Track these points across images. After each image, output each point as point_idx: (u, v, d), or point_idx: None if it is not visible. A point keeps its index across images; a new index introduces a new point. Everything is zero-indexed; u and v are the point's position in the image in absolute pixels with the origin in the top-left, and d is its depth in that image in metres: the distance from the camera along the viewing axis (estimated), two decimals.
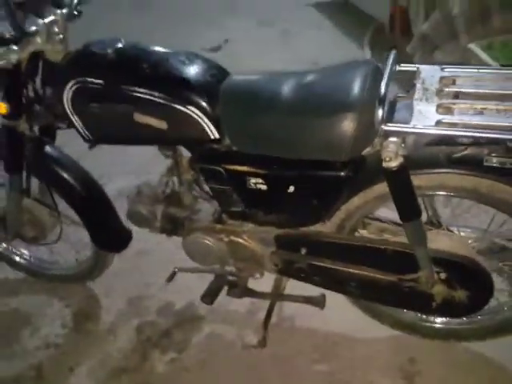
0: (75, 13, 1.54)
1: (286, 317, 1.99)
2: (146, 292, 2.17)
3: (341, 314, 1.89)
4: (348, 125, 1.26)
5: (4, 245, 2.21)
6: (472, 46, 2.56)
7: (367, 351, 1.86)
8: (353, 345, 1.88)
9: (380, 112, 1.18)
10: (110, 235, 1.94)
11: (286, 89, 1.35)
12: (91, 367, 1.91)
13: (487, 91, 1.26)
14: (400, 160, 1.25)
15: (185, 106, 1.39)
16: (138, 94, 1.41)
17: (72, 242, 2.10)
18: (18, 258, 2.23)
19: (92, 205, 1.88)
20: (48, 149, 1.79)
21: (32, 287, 2.25)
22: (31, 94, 1.59)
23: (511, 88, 1.25)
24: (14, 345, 2.01)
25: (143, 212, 1.75)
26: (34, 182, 1.92)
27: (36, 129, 1.72)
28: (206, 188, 1.73)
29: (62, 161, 1.81)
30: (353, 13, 4.16)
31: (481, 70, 1.33)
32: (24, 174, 1.81)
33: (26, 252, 2.24)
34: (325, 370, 1.82)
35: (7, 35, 1.41)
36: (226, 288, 1.81)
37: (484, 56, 2.80)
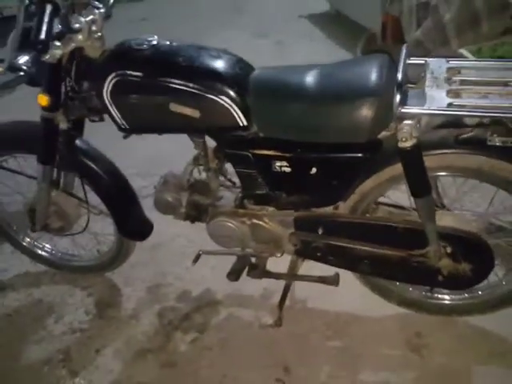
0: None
1: (298, 299, 2.13)
2: (163, 281, 2.30)
3: (350, 294, 2.03)
4: (368, 109, 1.41)
5: (27, 239, 2.32)
6: (463, 50, 2.74)
7: (377, 328, 2.00)
8: (363, 322, 2.02)
9: (398, 96, 1.34)
10: (134, 224, 2.06)
11: (310, 79, 1.50)
12: (117, 349, 2.02)
13: (489, 79, 1.42)
14: (414, 141, 1.40)
15: (217, 96, 1.53)
16: (174, 86, 1.54)
17: (94, 233, 2.22)
18: (40, 251, 2.34)
19: (119, 195, 2.00)
20: (79, 142, 1.91)
21: (53, 279, 2.36)
22: (69, 87, 1.72)
23: (510, 75, 1.42)
24: (41, 331, 2.11)
25: (169, 199, 1.88)
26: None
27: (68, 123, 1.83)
28: (229, 176, 1.88)
29: (92, 153, 1.94)
30: (345, 23, 4.34)
31: (482, 62, 1.50)
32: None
33: (48, 245, 2.34)
34: (338, 346, 1.96)
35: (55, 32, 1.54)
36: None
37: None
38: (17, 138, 1.98)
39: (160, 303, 2.19)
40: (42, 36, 1.40)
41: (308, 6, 4.93)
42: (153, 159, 2.89)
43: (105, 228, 2.21)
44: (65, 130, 1.83)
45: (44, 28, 1.40)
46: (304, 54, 4.00)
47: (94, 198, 2.03)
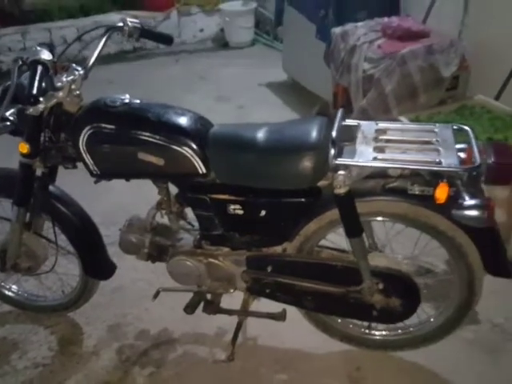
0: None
1: (250, 336, 2.31)
2: (123, 321, 2.44)
3: (298, 331, 2.22)
4: (308, 161, 1.67)
5: None
6: (402, 118, 3.06)
7: (321, 362, 2.19)
8: (309, 358, 2.21)
9: (332, 151, 1.60)
10: (99, 265, 2.24)
11: (260, 134, 1.76)
12: (78, 382, 2.15)
13: (410, 138, 1.71)
14: (347, 188, 1.66)
15: (180, 147, 1.77)
16: (143, 137, 1.77)
17: (60, 273, 2.37)
18: (7, 292, 2.47)
19: (87, 237, 2.18)
20: (52, 187, 2.10)
21: (17, 318, 2.48)
22: (47, 138, 1.93)
23: (426, 136, 1.71)
24: (5, 366, 2.23)
25: (133, 240, 2.07)
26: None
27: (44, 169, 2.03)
28: (188, 219, 2.09)
29: (64, 198, 2.13)
30: (300, 92, 4.68)
31: (405, 125, 1.80)
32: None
33: (14, 286, 2.47)
34: (285, 379, 2.14)
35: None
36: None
37: None
38: None
39: (119, 341, 2.33)
40: (34, 91, 1.62)
41: (267, 75, 5.29)
42: (116, 209, 3.07)
43: (70, 269, 2.37)
44: (40, 176, 2.03)
45: (36, 85, 1.62)
46: (263, 118, 4.25)
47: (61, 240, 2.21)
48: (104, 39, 1.93)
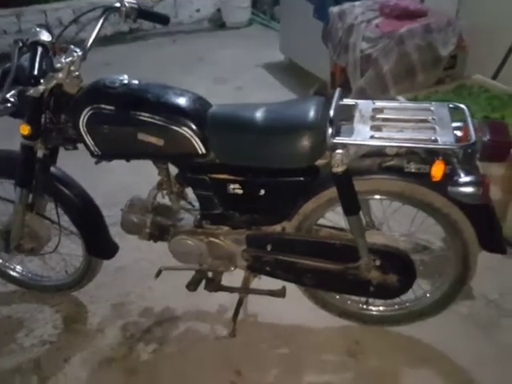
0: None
1: (250, 313, 2.36)
2: (126, 299, 2.49)
3: (297, 308, 2.27)
4: (306, 140, 1.70)
5: (1, 261, 2.49)
6: (400, 97, 3.07)
7: (320, 337, 2.24)
8: (308, 333, 2.26)
9: (330, 130, 1.63)
10: (102, 244, 2.27)
11: (259, 114, 1.79)
12: (84, 358, 2.20)
13: (406, 117, 1.74)
14: (344, 167, 1.69)
15: (180, 127, 1.79)
16: (143, 118, 1.80)
17: (63, 254, 2.41)
18: (11, 272, 2.51)
19: (89, 217, 2.22)
20: (53, 169, 2.13)
21: (22, 297, 2.52)
22: (47, 119, 1.95)
23: (422, 114, 1.73)
24: (12, 344, 2.28)
25: (135, 220, 2.11)
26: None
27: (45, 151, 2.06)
28: (188, 199, 2.13)
29: (65, 179, 2.16)
30: (298, 72, 4.70)
31: (401, 103, 1.82)
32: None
33: (18, 266, 2.52)
34: (285, 353, 2.19)
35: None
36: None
37: None
38: None
39: (123, 319, 2.38)
40: (35, 72, 1.64)
41: (264, 56, 5.29)
42: (117, 190, 3.09)
43: (73, 250, 2.41)
44: (41, 158, 2.05)
45: (36, 66, 1.64)
46: (261, 99, 4.24)
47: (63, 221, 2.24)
48: (101, 20, 1.94)
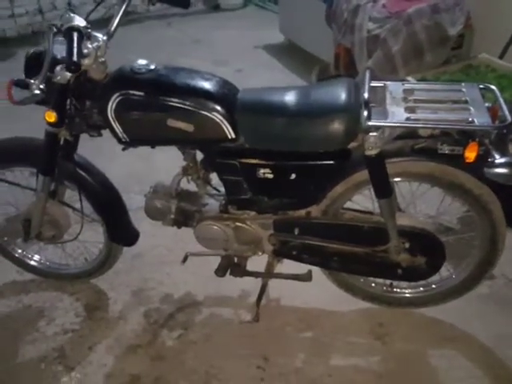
0: None
1: (273, 298, 2.36)
2: (146, 286, 2.48)
3: (320, 292, 2.28)
4: (339, 123, 1.68)
5: (18, 249, 2.46)
6: (409, 78, 3.07)
7: (344, 320, 2.25)
8: (332, 316, 2.27)
9: (365, 112, 1.62)
10: (123, 231, 2.26)
11: (289, 97, 1.77)
12: (108, 345, 2.19)
13: (438, 98, 1.73)
14: (378, 149, 1.69)
15: (210, 112, 1.77)
16: (172, 103, 1.77)
17: (83, 241, 2.38)
18: (29, 261, 2.48)
19: (111, 204, 2.20)
20: (75, 156, 2.10)
21: (40, 286, 2.50)
22: (73, 106, 1.92)
23: (454, 95, 1.73)
24: (34, 333, 2.26)
25: (159, 206, 2.09)
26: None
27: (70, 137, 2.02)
28: (213, 185, 2.11)
29: (87, 166, 2.13)
30: (300, 54, 4.66)
31: (431, 85, 1.82)
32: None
33: (37, 255, 2.49)
34: (310, 336, 2.20)
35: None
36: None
37: None
38: (17, 152, 2.15)
39: (145, 305, 2.37)
40: (75, 58, 1.60)
41: (262, 37, 5.25)
42: (126, 179, 3.05)
43: (91, 237, 2.39)
44: (63, 145, 2.02)
45: (75, 51, 1.60)
46: (263, 81, 4.23)
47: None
48: (124, 5, 1.91)
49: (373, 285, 2.21)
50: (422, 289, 2.17)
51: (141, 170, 3.09)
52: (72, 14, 1.71)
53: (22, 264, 2.49)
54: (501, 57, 3.36)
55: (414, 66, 3.28)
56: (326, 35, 4.02)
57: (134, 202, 2.49)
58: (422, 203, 2.09)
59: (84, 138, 2.05)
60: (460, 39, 3.44)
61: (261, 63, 4.78)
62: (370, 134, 1.66)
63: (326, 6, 3.91)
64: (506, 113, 1.62)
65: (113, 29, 1.88)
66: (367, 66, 3.35)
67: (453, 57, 3.47)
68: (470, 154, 1.64)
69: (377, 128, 1.65)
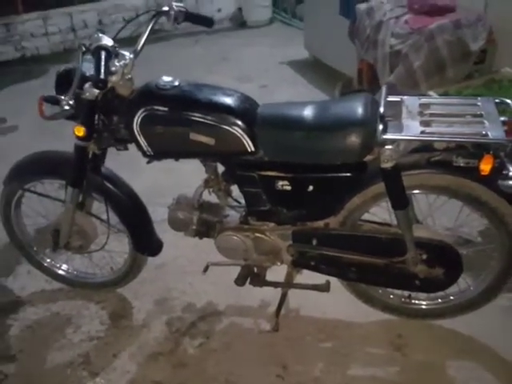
0: None
1: (293, 308, 2.40)
2: (169, 295, 2.54)
3: (339, 303, 2.32)
4: (356, 136, 1.73)
5: (47, 259, 2.56)
6: (431, 93, 3.10)
7: (362, 331, 2.28)
8: (350, 326, 2.30)
9: (381, 126, 1.67)
10: (148, 241, 2.33)
11: (308, 112, 1.83)
12: (132, 353, 2.25)
13: (453, 112, 1.77)
14: (394, 162, 1.73)
15: (231, 127, 1.84)
16: (195, 118, 1.84)
17: (109, 251, 2.46)
18: (58, 270, 2.58)
19: (137, 216, 2.28)
20: (103, 168, 2.19)
21: (68, 295, 2.58)
22: (101, 121, 2.01)
23: (469, 109, 1.77)
24: (61, 339, 2.34)
25: (182, 217, 2.15)
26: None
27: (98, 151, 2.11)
28: (234, 196, 2.17)
29: (114, 179, 2.22)
30: (323, 70, 4.72)
31: (447, 99, 1.85)
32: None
33: (64, 265, 2.58)
34: (329, 347, 2.23)
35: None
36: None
37: None
38: (48, 165, 2.25)
39: (167, 314, 2.43)
40: (102, 76, 1.68)
41: (287, 54, 5.33)
42: (149, 192, 3.11)
43: (116, 247, 2.47)
44: (92, 158, 2.11)
45: (102, 70, 1.69)
46: (287, 96, 4.34)
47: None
48: (151, 24, 2.00)
49: (391, 296, 2.24)
50: (440, 300, 2.18)
51: (165, 184, 3.16)
52: (101, 34, 1.80)
53: (50, 273, 2.58)
54: None
55: (436, 81, 3.31)
56: (349, 51, 4.07)
57: (158, 214, 2.56)
58: (443, 216, 2.13)
59: (112, 152, 2.14)
60: (482, 54, 3.45)
61: (285, 79, 4.85)
62: (386, 147, 1.70)
63: (350, 22, 3.97)
64: None
65: (139, 47, 1.96)
66: (388, 81, 3.39)
67: (475, 71, 3.48)
68: (485, 167, 1.67)
69: (392, 141, 1.70)
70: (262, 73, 4.99)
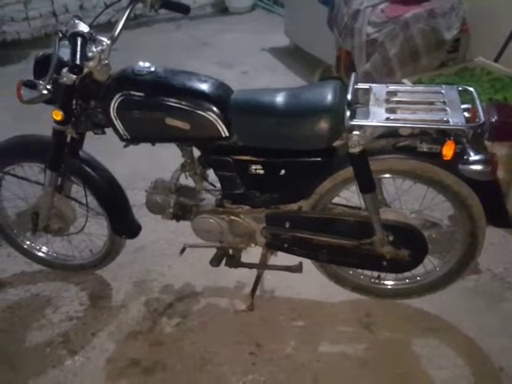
0: None
1: (267, 289, 2.47)
2: (147, 277, 2.60)
3: (311, 283, 2.40)
4: (325, 122, 1.80)
5: (27, 241, 2.61)
6: (405, 80, 3.18)
7: (333, 310, 2.36)
8: (322, 306, 2.38)
9: (348, 112, 1.74)
10: (126, 224, 2.39)
11: (279, 98, 1.89)
12: (110, 332, 2.32)
13: (418, 99, 1.84)
14: (361, 147, 1.80)
15: (205, 112, 1.90)
16: (171, 103, 1.90)
17: (89, 234, 2.52)
18: (38, 253, 2.63)
19: (115, 198, 2.33)
20: (81, 152, 2.24)
21: (48, 277, 2.64)
22: (78, 106, 2.05)
23: (433, 97, 1.84)
24: (41, 319, 2.39)
25: (159, 201, 2.22)
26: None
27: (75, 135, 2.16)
28: (209, 180, 2.24)
29: (92, 162, 2.27)
30: (303, 57, 4.78)
31: (414, 87, 1.93)
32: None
33: (44, 247, 2.63)
34: (301, 325, 2.31)
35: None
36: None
37: None
38: (27, 149, 2.29)
39: (146, 295, 2.50)
40: (78, 61, 1.73)
41: (268, 40, 5.37)
42: (131, 176, 3.15)
43: (96, 230, 2.53)
44: (69, 142, 2.16)
45: (78, 55, 1.74)
46: (267, 83, 4.41)
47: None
48: (128, 10, 2.04)
49: (361, 277, 2.32)
50: (407, 281, 2.27)
51: (146, 168, 3.21)
52: (77, 20, 1.85)
53: (30, 255, 2.63)
54: (496, 60, 3.45)
55: (411, 69, 3.38)
56: (328, 38, 4.12)
57: (139, 198, 2.63)
58: (415, 200, 2.21)
59: (93, 136, 2.19)
60: (456, 43, 3.53)
61: (266, 65, 4.91)
62: (353, 132, 1.77)
63: (328, 10, 4.03)
64: (481, 113, 1.72)
65: (116, 33, 2.01)
66: (364, 68, 3.46)
67: (449, 60, 3.56)
68: (447, 152, 1.74)
69: (359, 127, 1.77)
70: (243, 59, 5.04)
